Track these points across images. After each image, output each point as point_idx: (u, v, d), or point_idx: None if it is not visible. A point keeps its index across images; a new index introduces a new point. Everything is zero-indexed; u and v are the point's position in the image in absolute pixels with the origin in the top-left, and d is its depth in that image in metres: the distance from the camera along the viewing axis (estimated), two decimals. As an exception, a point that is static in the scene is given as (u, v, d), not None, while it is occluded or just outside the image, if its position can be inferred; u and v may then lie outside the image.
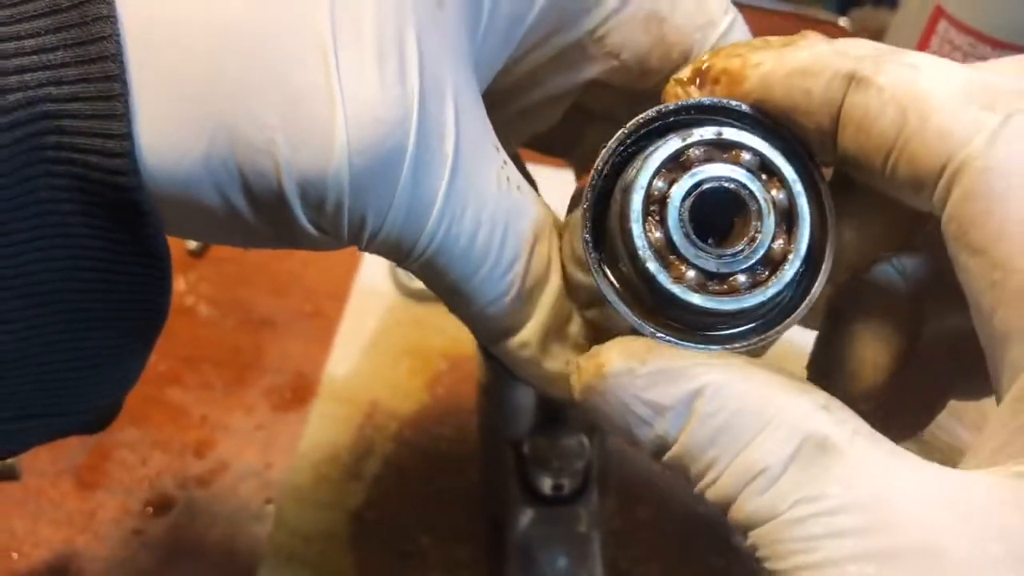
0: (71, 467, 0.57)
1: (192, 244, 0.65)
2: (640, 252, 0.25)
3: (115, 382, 0.29)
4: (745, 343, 0.26)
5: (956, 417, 0.57)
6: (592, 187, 0.27)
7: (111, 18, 0.22)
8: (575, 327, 0.30)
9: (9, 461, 0.52)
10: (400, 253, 0.27)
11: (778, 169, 0.26)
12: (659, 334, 0.26)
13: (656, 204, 0.26)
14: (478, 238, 0.27)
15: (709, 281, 0.25)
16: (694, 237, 0.25)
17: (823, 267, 0.26)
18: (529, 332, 0.29)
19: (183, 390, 0.60)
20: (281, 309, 0.64)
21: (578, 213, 0.27)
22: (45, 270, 0.24)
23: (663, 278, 0.25)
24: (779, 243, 0.26)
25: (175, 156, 0.24)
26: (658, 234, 0.25)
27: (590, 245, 0.27)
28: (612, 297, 0.26)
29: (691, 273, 0.25)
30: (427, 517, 0.56)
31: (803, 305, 0.26)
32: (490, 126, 0.28)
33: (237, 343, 0.62)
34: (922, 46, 0.63)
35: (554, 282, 0.29)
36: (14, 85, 0.22)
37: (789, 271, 0.26)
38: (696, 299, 0.25)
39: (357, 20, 0.24)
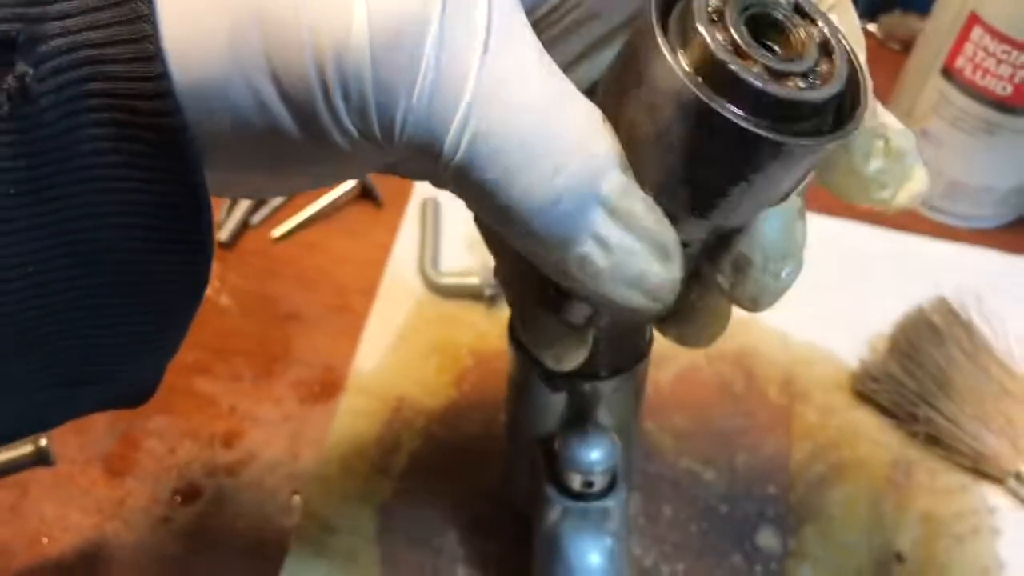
0: (100, 455, 0.58)
1: (223, 235, 0.66)
2: (712, 47, 0.25)
3: (157, 351, 0.29)
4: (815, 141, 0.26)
5: (982, 422, 0.57)
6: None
7: None
8: None
9: (43, 445, 0.53)
10: (434, 150, 0.24)
11: (813, 9, 0.28)
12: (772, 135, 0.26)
13: (716, 13, 0.26)
14: (521, 127, 0.24)
15: (775, 78, 0.26)
16: (754, 39, 0.26)
17: (862, 87, 0.28)
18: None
19: (212, 381, 0.60)
20: (310, 303, 0.65)
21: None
22: (91, 227, 0.24)
23: (739, 68, 0.25)
24: (823, 67, 0.27)
25: (203, 54, 0.23)
26: (721, 37, 0.26)
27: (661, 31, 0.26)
28: (705, 90, 0.26)
29: (757, 68, 0.26)
30: (454, 512, 0.56)
31: (857, 113, 0.27)
32: (523, 12, 0.26)
33: (266, 336, 0.63)
34: (954, 52, 0.63)
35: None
36: (57, 30, 0.22)
37: (836, 84, 0.27)
38: (773, 88, 0.25)
39: None
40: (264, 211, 0.68)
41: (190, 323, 0.28)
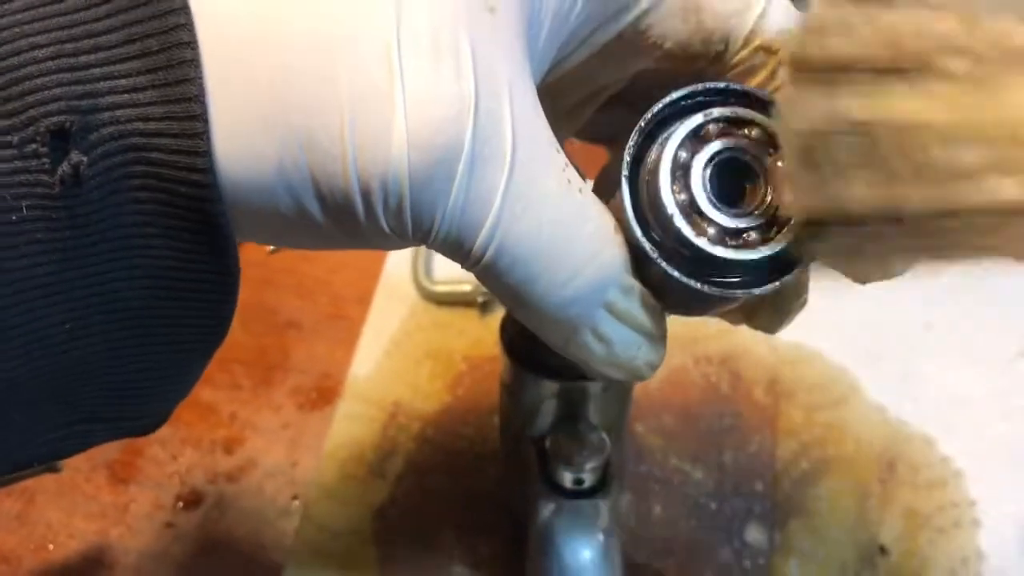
0: (105, 462, 0.59)
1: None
2: (668, 210, 0.29)
3: (177, 390, 0.30)
4: (758, 290, 0.30)
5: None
6: (628, 160, 0.30)
7: (195, 62, 0.24)
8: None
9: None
10: (462, 252, 0.28)
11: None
12: (696, 283, 0.29)
13: (680, 171, 0.29)
14: (540, 240, 0.28)
15: (727, 237, 0.29)
16: (714, 198, 0.29)
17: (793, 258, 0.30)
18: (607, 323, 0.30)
19: (213, 389, 0.62)
20: (307, 312, 0.66)
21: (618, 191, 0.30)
22: (126, 288, 0.26)
23: (688, 232, 0.29)
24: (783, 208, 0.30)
25: (252, 168, 0.25)
26: (683, 196, 0.29)
27: (631, 210, 0.30)
28: (649, 247, 0.29)
29: (712, 230, 0.29)
30: (449, 513, 0.57)
31: (798, 267, 0.30)
32: (548, 126, 0.29)
33: (264, 344, 0.64)
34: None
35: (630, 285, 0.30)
36: (107, 120, 0.24)
37: (774, 247, 0.29)
38: (718, 251, 0.29)
39: (415, 26, 0.25)
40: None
41: (208, 362, 0.30)
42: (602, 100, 0.37)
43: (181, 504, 0.58)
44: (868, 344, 0.65)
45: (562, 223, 0.28)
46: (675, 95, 0.30)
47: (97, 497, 0.58)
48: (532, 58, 0.29)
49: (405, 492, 0.58)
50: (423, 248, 0.67)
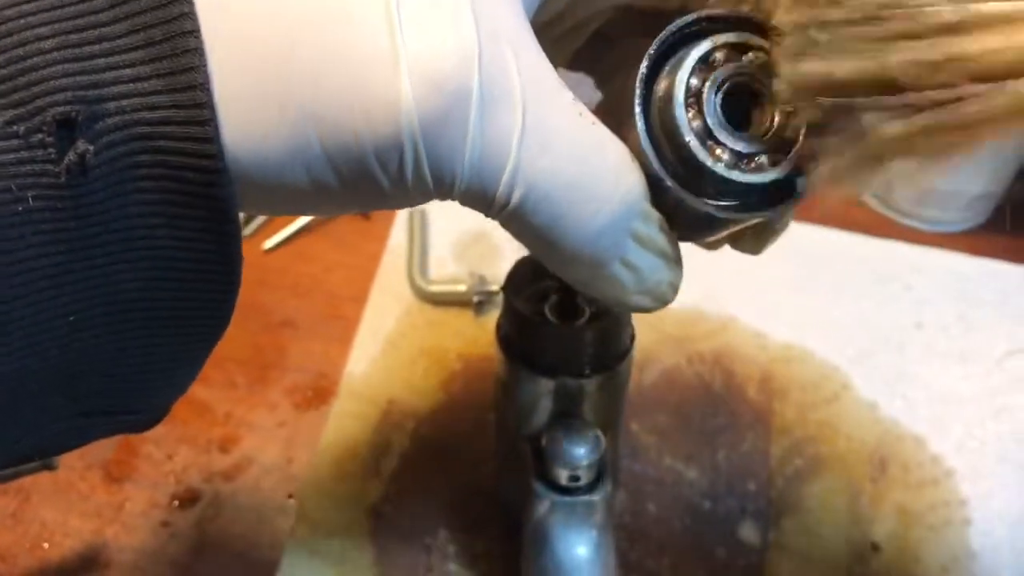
0: (100, 461, 0.59)
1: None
2: (686, 137, 0.30)
3: (177, 384, 0.31)
4: (771, 212, 0.31)
5: None
6: (640, 89, 0.30)
7: (199, 50, 0.24)
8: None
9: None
10: (486, 200, 0.28)
11: None
12: (713, 209, 0.30)
13: (692, 97, 0.30)
14: (563, 175, 0.28)
15: (739, 161, 0.30)
16: (726, 123, 0.30)
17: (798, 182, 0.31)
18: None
19: (208, 388, 0.62)
20: (302, 311, 0.66)
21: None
22: (129, 279, 0.26)
23: (706, 158, 0.30)
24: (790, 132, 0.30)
25: (263, 149, 0.26)
26: (697, 122, 0.30)
27: (646, 138, 0.30)
28: (667, 174, 0.30)
29: (726, 155, 0.30)
30: (444, 511, 0.58)
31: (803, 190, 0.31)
32: (549, 64, 0.28)
33: (260, 343, 0.64)
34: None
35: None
36: (112, 110, 0.24)
37: (780, 171, 0.30)
38: (735, 175, 0.30)
39: None
40: (255, 223, 0.70)
41: (207, 357, 0.30)
42: (587, 34, 0.37)
43: (177, 503, 0.58)
44: (860, 343, 0.66)
45: (582, 156, 0.28)
46: (680, 22, 0.31)
47: (92, 496, 0.58)
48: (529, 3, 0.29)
49: (400, 490, 0.59)
50: (418, 248, 0.68)
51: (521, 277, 0.46)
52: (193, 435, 0.60)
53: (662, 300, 0.32)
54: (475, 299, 0.66)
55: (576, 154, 0.28)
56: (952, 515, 0.58)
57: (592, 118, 0.29)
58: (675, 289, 0.33)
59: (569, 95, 0.29)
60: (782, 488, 0.59)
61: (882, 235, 0.73)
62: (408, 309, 0.67)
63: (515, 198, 0.28)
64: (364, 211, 0.29)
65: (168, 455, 0.60)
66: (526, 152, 0.27)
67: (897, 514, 0.58)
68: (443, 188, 0.27)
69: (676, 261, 0.32)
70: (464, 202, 0.28)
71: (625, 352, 0.48)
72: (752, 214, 0.31)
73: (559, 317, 0.47)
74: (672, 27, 0.31)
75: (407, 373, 0.64)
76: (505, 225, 0.29)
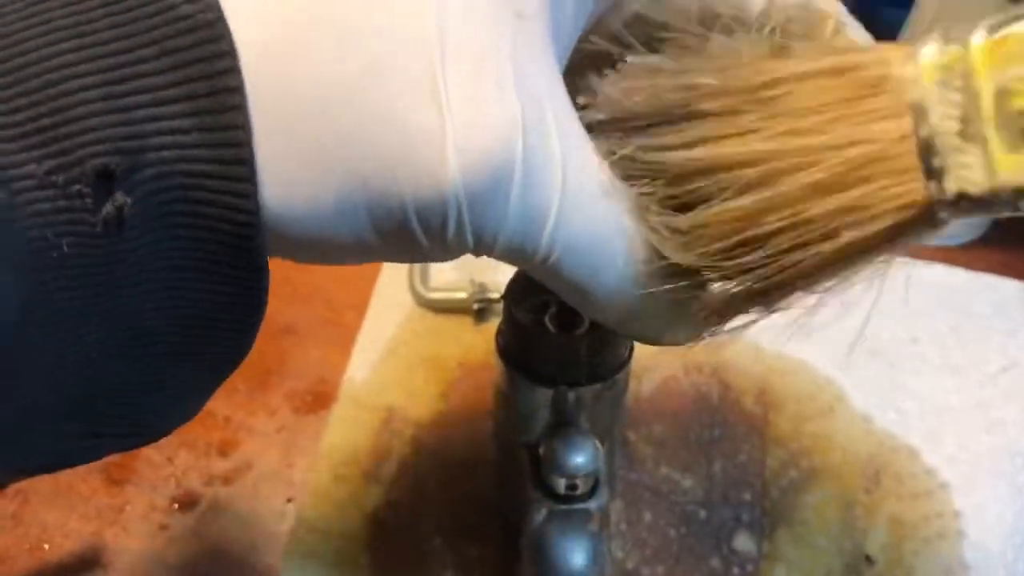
0: (100, 464, 0.59)
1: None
2: None
3: (189, 410, 0.31)
4: None
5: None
6: None
7: (242, 108, 0.24)
8: None
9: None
10: (525, 258, 0.29)
11: None
12: None
13: None
14: (596, 235, 0.29)
15: None
16: None
17: None
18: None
19: (209, 392, 0.62)
20: (303, 317, 0.67)
21: None
22: (155, 318, 0.26)
23: None
24: None
25: (302, 208, 0.26)
26: None
27: None
28: None
29: None
30: (441, 518, 0.58)
31: None
32: (582, 127, 0.29)
33: (261, 348, 0.64)
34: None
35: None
36: (152, 161, 0.24)
37: None
38: None
39: (457, 49, 0.26)
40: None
41: (221, 384, 0.31)
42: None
43: (176, 506, 0.58)
44: (855, 356, 0.66)
45: (615, 216, 0.30)
46: None
47: (93, 498, 0.58)
48: (559, 56, 0.30)
49: (398, 496, 0.59)
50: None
51: (521, 287, 0.47)
52: (193, 439, 0.61)
53: (695, 338, 0.34)
54: (475, 307, 0.67)
55: (610, 211, 0.29)
56: (946, 527, 0.59)
57: (610, 174, 0.30)
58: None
59: (596, 158, 0.30)
60: (777, 499, 0.60)
61: (879, 249, 0.73)
62: (408, 316, 0.67)
63: (553, 257, 0.29)
64: (402, 262, 0.30)
65: (168, 458, 0.60)
66: (564, 215, 0.28)
67: (891, 526, 0.59)
68: (483, 247, 0.28)
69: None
70: (502, 259, 0.29)
71: (623, 363, 0.48)
72: None
73: (559, 327, 0.47)
74: None
75: (407, 380, 0.64)
76: (541, 278, 0.30)
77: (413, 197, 0.26)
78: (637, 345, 0.49)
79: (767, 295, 0.31)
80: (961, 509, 0.59)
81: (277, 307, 0.67)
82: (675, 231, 0.30)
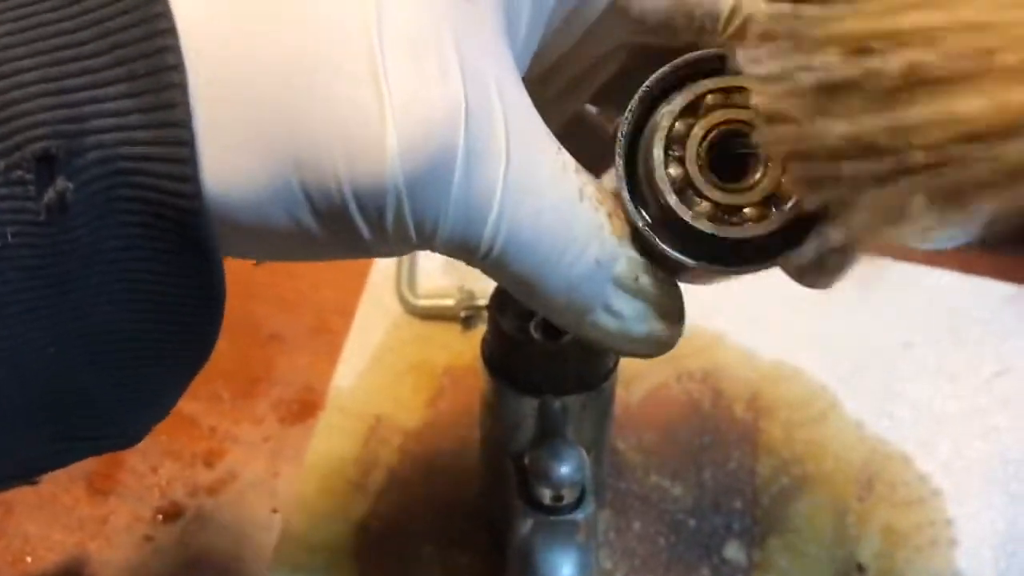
0: (84, 474, 0.59)
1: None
2: (660, 184, 0.29)
3: (161, 408, 0.30)
4: (750, 268, 0.30)
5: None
6: (622, 134, 0.30)
7: (182, 86, 0.24)
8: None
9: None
10: (468, 251, 0.28)
11: None
12: (687, 258, 0.30)
13: (676, 144, 0.29)
14: (543, 225, 0.28)
15: (722, 214, 0.29)
16: (708, 172, 0.29)
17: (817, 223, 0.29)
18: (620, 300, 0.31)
19: (193, 401, 0.62)
20: (289, 324, 0.66)
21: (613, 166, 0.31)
22: (111, 310, 0.26)
23: (679, 208, 0.29)
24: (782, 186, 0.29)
25: (243, 189, 0.25)
26: (676, 171, 0.29)
27: (626, 186, 0.30)
28: (641, 224, 0.30)
29: (705, 205, 0.29)
30: (429, 527, 0.58)
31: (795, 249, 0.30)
32: (537, 114, 0.29)
33: (246, 356, 0.64)
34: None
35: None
36: (93, 144, 0.24)
37: (791, 212, 0.29)
38: (706, 227, 0.29)
39: (396, 27, 0.25)
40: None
41: (191, 382, 0.30)
42: (592, 86, 0.37)
43: (161, 517, 0.58)
44: (848, 361, 0.65)
45: (562, 206, 0.28)
46: (672, 65, 0.30)
47: (76, 509, 0.58)
48: (515, 48, 0.29)
49: (386, 505, 0.58)
50: (407, 262, 0.68)
51: (506, 295, 0.46)
52: (178, 449, 0.60)
53: (655, 347, 0.32)
54: (463, 314, 0.66)
55: (556, 204, 0.28)
56: (938, 535, 0.58)
57: (575, 165, 0.29)
58: (669, 336, 0.32)
59: (555, 144, 0.29)
60: (768, 507, 0.59)
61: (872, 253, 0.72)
62: (396, 323, 0.67)
63: (496, 249, 0.28)
64: (347, 258, 0.29)
65: (152, 468, 0.59)
66: (508, 204, 0.27)
67: (883, 534, 0.58)
68: (424, 238, 0.27)
69: (670, 308, 0.32)
70: (445, 252, 0.28)
71: (609, 372, 0.48)
72: (732, 269, 0.30)
73: (544, 335, 0.47)
74: (663, 69, 0.30)
75: (394, 388, 0.63)
76: (486, 272, 0.29)
77: (350, 180, 0.25)
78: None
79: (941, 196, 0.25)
80: (954, 517, 0.59)
81: (263, 314, 0.67)
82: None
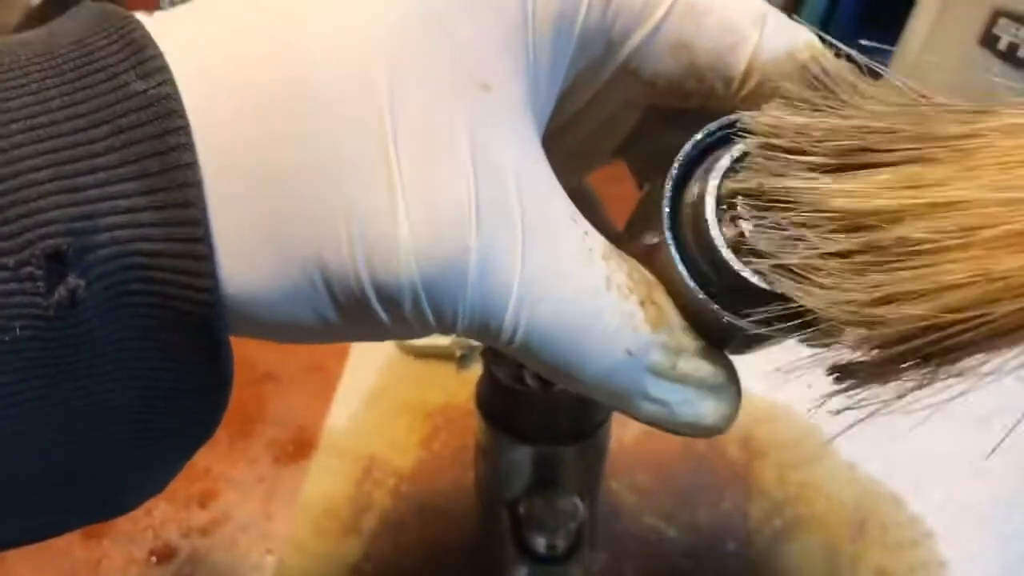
0: (77, 516, 0.59)
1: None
2: (718, 246, 0.28)
3: (157, 485, 0.31)
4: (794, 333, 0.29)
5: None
6: (667, 204, 0.29)
7: (197, 184, 0.24)
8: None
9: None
10: (490, 337, 0.28)
11: None
12: (730, 317, 0.28)
13: (725, 205, 0.28)
14: (565, 319, 0.27)
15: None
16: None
17: None
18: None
19: (188, 442, 0.62)
20: (284, 364, 0.66)
21: (657, 236, 0.29)
22: (117, 398, 0.26)
23: (740, 268, 0.28)
24: None
25: (261, 286, 0.25)
26: (730, 231, 0.28)
27: (677, 256, 0.29)
28: (709, 303, 0.28)
29: (759, 263, 0.28)
30: (423, 570, 0.57)
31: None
32: (563, 196, 0.28)
33: (241, 396, 0.64)
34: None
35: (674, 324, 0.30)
36: (105, 241, 0.24)
37: None
38: (763, 283, 0.28)
39: (411, 128, 0.25)
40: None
41: (191, 458, 0.30)
42: (620, 137, 0.36)
43: (154, 559, 0.58)
44: (841, 401, 0.65)
45: (585, 297, 0.28)
46: (711, 126, 0.30)
47: (69, 552, 0.57)
48: (536, 124, 0.29)
49: (379, 548, 0.58)
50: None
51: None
52: (172, 490, 0.59)
53: (708, 430, 0.31)
54: (458, 353, 0.66)
55: (578, 297, 0.28)
56: (931, 578, 0.58)
57: (605, 251, 0.28)
58: (725, 418, 0.31)
59: (579, 229, 0.28)
60: (762, 549, 0.59)
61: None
62: (391, 362, 0.67)
63: (518, 340, 0.27)
64: (366, 341, 0.29)
65: (146, 509, 0.59)
66: (527, 297, 0.27)
67: (876, 576, 0.58)
68: (445, 327, 0.27)
69: (722, 388, 0.30)
70: (470, 337, 0.28)
71: (604, 419, 0.48)
72: (786, 333, 0.28)
73: (539, 384, 0.47)
74: (704, 131, 0.30)
75: (389, 428, 0.63)
76: (517, 357, 0.29)
77: (370, 279, 0.26)
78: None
79: (934, 357, 0.27)
80: (947, 559, 0.59)
81: (258, 354, 0.67)
82: (833, 276, 0.26)
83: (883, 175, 0.27)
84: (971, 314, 0.25)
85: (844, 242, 0.26)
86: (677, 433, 0.31)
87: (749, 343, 0.30)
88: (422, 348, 0.67)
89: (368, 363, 0.67)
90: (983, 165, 0.25)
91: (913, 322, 0.26)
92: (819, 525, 0.60)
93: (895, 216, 0.26)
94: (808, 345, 0.30)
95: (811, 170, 0.28)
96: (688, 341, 0.29)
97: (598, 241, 0.29)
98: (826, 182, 0.27)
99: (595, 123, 0.35)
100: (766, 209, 0.28)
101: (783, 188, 0.27)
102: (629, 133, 0.37)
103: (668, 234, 0.29)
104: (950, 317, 0.25)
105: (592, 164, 0.38)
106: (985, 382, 0.27)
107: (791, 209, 0.27)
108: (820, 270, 0.27)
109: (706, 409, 0.30)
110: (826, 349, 0.30)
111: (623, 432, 0.63)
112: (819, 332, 0.28)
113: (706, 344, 0.30)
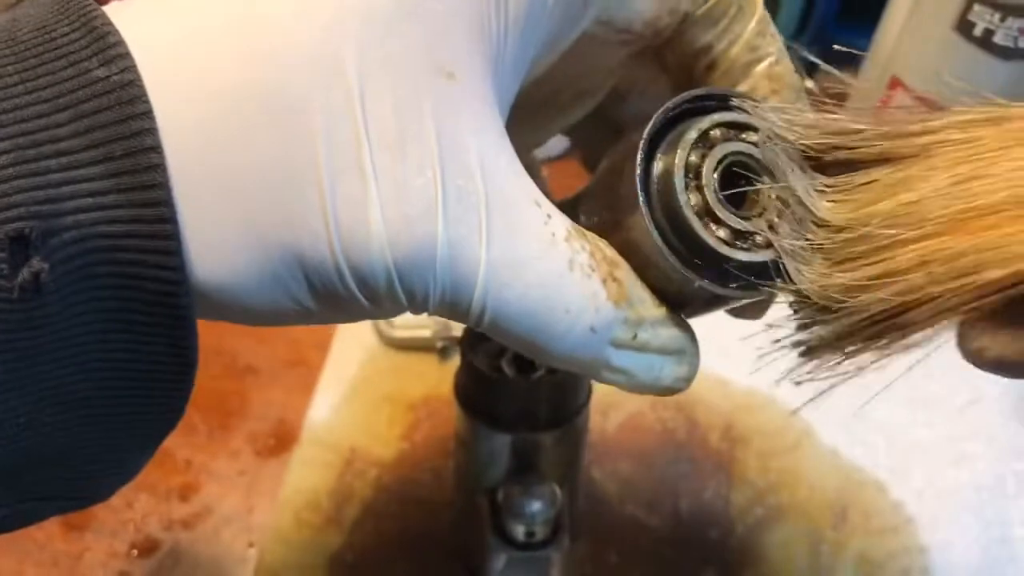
0: (58, 510, 0.58)
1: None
2: (684, 211, 0.30)
3: (127, 471, 0.30)
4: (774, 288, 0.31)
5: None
6: (640, 170, 0.31)
7: (162, 166, 0.24)
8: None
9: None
10: (460, 316, 0.29)
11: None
12: (700, 281, 0.30)
13: (692, 174, 0.31)
14: (530, 300, 0.29)
15: (737, 240, 0.30)
16: (724, 201, 0.30)
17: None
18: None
19: (169, 436, 0.61)
20: (265, 357, 0.66)
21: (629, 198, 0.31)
22: (81, 381, 0.26)
23: (703, 234, 0.30)
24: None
25: (231, 268, 0.26)
26: (696, 200, 0.30)
27: (649, 219, 0.31)
28: (674, 261, 0.30)
29: (722, 232, 0.30)
30: (404, 561, 0.57)
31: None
32: (527, 182, 0.29)
33: (222, 390, 0.64)
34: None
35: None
36: (70, 224, 0.24)
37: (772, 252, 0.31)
38: (732, 252, 0.30)
39: (382, 118, 0.26)
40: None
41: (159, 446, 0.30)
42: (583, 106, 0.38)
43: (136, 552, 0.57)
44: (821, 389, 0.66)
45: (549, 280, 0.29)
46: (676, 100, 0.31)
47: (49, 545, 0.57)
48: (500, 108, 0.30)
49: (361, 539, 0.58)
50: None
51: (478, 332, 0.46)
52: (153, 483, 0.60)
53: (669, 390, 0.33)
54: (440, 344, 0.66)
55: (542, 279, 0.29)
56: (912, 563, 0.58)
57: (564, 233, 0.29)
58: (684, 380, 0.33)
59: (542, 213, 0.29)
60: (743, 537, 0.59)
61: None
62: (372, 354, 0.67)
63: (486, 319, 0.29)
64: (340, 323, 0.30)
65: (128, 503, 0.59)
66: (492, 281, 0.28)
67: (857, 563, 0.58)
68: (416, 306, 0.28)
69: (680, 352, 0.32)
70: (441, 316, 0.29)
71: (582, 406, 0.48)
72: (750, 293, 0.31)
73: (516, 371, 0.47)
74: (668, 104, 0.31)
75: (370, 420, 0.63)
76: (487, 334, 0.30)
77: (347, 265, 0.26)
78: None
79: (890, 331, 0.31)
80: (927, 545, 0.59)
81: (239, 347, 0.67)
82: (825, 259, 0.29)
83: (859, 178, 0.30)
84: (919, 295, 0.28)
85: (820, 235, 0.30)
86: (637, 392, 0.32)
87: (708, 305, 0.32)
88: (403, 340, 0.67)
89: (349, 356, 0.66)
90: (938, 159, 0.29)
91: (872, 303, 0.29)
92: (801, 512, 0.60)
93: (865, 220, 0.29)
94: (760, 304, 0.34)
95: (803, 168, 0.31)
96: (648, 311, 0.31)
97: (561, 224, 0.30)
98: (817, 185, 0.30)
99: (566, 83, 0.36)
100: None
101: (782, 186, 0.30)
102: (598, 104, 0.38)
103: (641, 196, 0.30)
104: (901, 299, 0.28)
105: (560, 122, 0.39)
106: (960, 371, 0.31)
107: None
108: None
109: (665, 372, 0.32)
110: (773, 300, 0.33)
111: (605, 422, 0.64)
112: (775, 292, 0.31)
113: (665, 312, 0.31)
